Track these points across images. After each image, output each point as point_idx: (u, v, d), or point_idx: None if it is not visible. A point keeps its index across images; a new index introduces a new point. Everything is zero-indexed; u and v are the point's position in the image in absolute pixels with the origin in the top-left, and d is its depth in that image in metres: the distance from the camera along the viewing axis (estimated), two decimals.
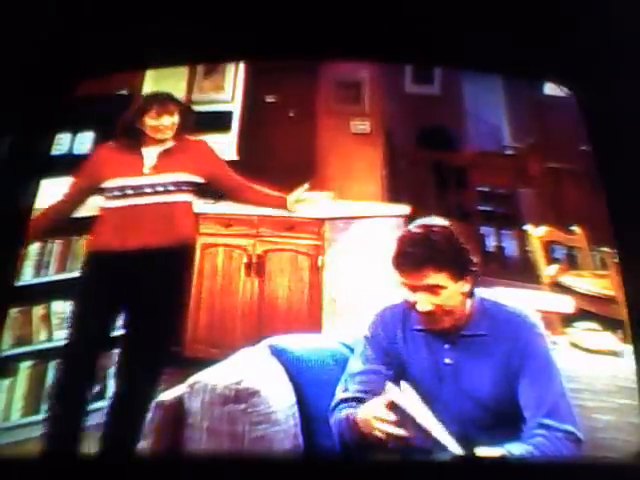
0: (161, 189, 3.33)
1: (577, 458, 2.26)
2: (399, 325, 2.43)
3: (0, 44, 2.61)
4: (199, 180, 3.42)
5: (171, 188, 3.35)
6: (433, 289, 2.31)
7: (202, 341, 3.94)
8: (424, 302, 2.33)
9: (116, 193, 3.30)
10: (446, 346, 2.37)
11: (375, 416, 2.22)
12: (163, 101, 3.38)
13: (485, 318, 2.36)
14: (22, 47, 2.64)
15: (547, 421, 2.25)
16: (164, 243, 3.28)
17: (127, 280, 3.23)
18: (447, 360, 2.36)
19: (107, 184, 3.31)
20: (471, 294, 2.38)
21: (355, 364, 2.44)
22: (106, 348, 3.32)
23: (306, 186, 3.64)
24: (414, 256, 2.30)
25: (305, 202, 3.67)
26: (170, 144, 3.39)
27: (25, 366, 3.38)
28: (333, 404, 2.39)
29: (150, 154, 3.36)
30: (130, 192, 3.31)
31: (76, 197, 3.38)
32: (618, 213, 2.49)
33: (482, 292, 2.42)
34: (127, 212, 3.29)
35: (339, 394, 2.41)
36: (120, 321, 3.32)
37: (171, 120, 3.38)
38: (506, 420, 2.32)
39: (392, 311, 2.47)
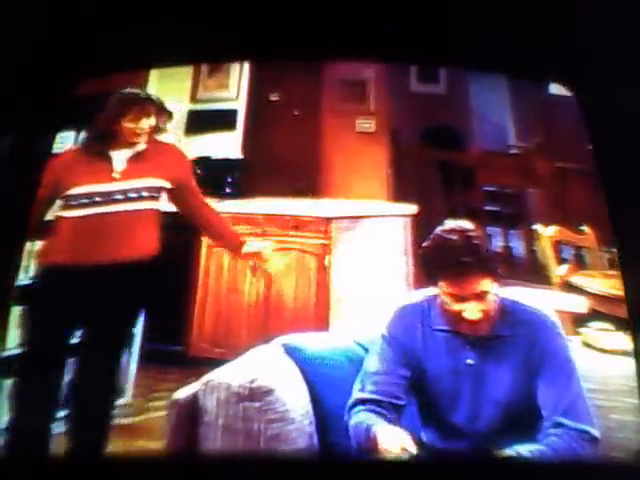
0: (134, 195, 3.10)
1: (583, 458, 2.28)
2: (418, 325, 2.43)
3: (0, 44, 2.62)
4: (170, 186, 3.18)
5: (144, 194, 3.12)
6: (482, 296, 2.32)
7: (207, 341, 3.95)
8: (474, 310, 2.33)
9: (83, 201, 3.05)
10: (467, 347, 2.38)
11: (402, 447, 2.24)
12: (142, 102, 3.16)
13: (505, 318, 2.38)
14: (22, 47, 2.65)
15: (563, 420, 2.27)
16: (131, 256, 3.06)
17: (87, 297, 3.01)
18: (469, 361, 2.37)
19: (73, 191, 3.05)
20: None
21: (372, 363, 2.45)
22: (62, 361, 3.11)
23: (272, 244, 3.43)
24: (466, 265, 2.30)
25: (258, 258, 3.38)
26: (142, 147, 3.15)
27: None
28: (350, 403, 2.41)
29: (120, 157, 3.12)
30: (99, 199, 3.06)
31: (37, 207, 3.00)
32: (618, 213, 2.52)
33: (500, 292, 2.43)
34: (91, 222, 3.06)
35: (356, 393, 2.42)
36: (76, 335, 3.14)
37: (149, 122, 3.14)
38: (524, 420, 2.34)
39: (410, 310, 2.47)
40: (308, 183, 4.46)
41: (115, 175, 3.09)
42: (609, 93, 2.53)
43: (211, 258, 4.05)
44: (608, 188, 2.54)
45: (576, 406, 2.29)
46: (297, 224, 3.99)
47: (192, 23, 2.74)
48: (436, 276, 2.36)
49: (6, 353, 3.30)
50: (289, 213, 4.05)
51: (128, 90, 3.21)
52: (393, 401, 2.37)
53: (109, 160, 3.11)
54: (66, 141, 3.76)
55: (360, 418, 2.36)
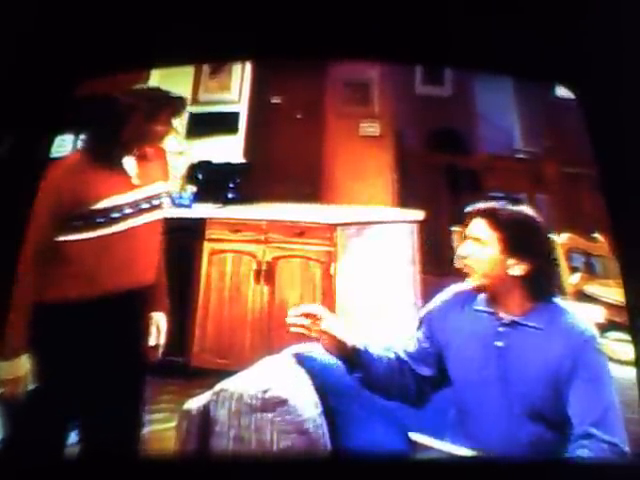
0: (156, 202, 2.91)
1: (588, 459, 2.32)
2: (458, 307, 2.54)
3: (0, 44, 2.65)
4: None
5: (163, 200, 2.93)
6: None
7: (210, 351, 3.98)
8: None
9: (114, 215, 2.78)
10: (500, 329, 2.46)
11: None
12: (174, 103, 2.97)
13: (545, 314, 2.46)
14: (22, 47, 2.67)
15: (593, 430, 2.32)
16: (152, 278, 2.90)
17: (119, 335, 2.83)
18: (498, 343, 2.45)
19: (94, 206, 2.77)
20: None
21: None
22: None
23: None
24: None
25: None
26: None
27: None
28: None
29: (128, 160, 2.88)
30: (129, 211, 2.81)
31: (48, 231, 2.76)
32: (619, 218, 2.57)
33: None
34: (116, 241, 2.81)
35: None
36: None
37: (178, 123, 3.01)
38: (553, 425, 2.41)
39: (456, 294, 2.58)
40: (313, 188, 4.51)
41: (135, 181, 2.87)
42: (611, 95, 2.57)
43: (212, 265, 4.08)
44: (609, 192, 2.59)
45: (608, 418, 2.34)
46: (301, 230, 4.03)
47: (193, 22, 2.77)
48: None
49: None
50: (293, 219, 4.09)
51: (155, 88, 3.05)
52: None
53: (121, 166, 2.86)
54: (67, 144, 3.76)
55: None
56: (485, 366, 2.45)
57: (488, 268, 2.45)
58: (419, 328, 2.60)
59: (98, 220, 2.78)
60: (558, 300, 2.51)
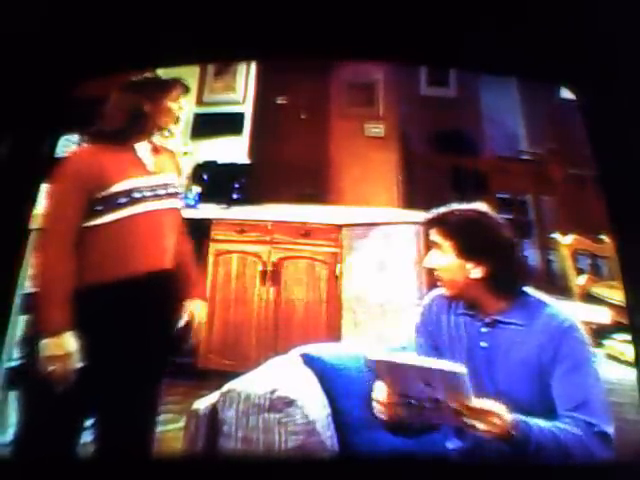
0: (172, 190, 2.92)
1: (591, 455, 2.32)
2: (444, 313, 2.53)
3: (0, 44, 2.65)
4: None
5: (178, 190, 2.96)
6: None
7: (215, 352, 3.98)
8: None
9: (135, 195, 2.79)
10: (483, 329, 2.46)
11: None
12: (179, 83, 2.95)
13: (525, 310, 2.44)
14: (22, 47, 2.68)
15: (573, 413, 2.31)
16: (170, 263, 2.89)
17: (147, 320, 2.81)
18: (483, 344, 2.46)
19: (115, 188, 2.76)
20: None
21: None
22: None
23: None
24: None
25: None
26: (153, 141, 2.94)
27: None
28: None
29: (143, 149, 2.90)
30: (148, 194, 2.82)
31: (77, 217, 2.76)
32: (619, 218, 2.58)
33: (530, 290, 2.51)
34: (139, 222, 2.80)
35: None
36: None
37: (185, 104, 2.98)
38: (533, 413, 2.37)
39: (440, 298, 2.56)
40: (318, 189, 4.52)
41: (150, 169, 2.88)
42: (612, 96, 2.58)
43: (218, 266, 4.09)
44: (608, 192, 2.59)
45: (590, 403, 2.32)
46: (307, 231, 4.03)
47: (197, 22, 2.78)
48: None
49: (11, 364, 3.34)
50: (299, 220, 4.09)
51: (156, 76, 3.00)
52: None
53: (135, 153, 2.87)
54: (72, 143, 3.77)
55: None
56: (474, 370, 2.40)
57: (452, 276, 2.46)
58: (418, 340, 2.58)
59: (119, 201, 2.78)
60: (535, 293, 2.49)
